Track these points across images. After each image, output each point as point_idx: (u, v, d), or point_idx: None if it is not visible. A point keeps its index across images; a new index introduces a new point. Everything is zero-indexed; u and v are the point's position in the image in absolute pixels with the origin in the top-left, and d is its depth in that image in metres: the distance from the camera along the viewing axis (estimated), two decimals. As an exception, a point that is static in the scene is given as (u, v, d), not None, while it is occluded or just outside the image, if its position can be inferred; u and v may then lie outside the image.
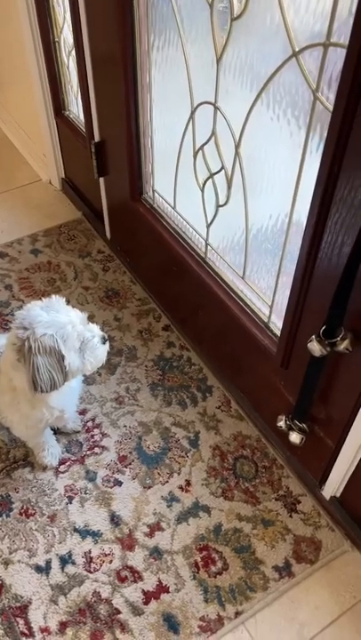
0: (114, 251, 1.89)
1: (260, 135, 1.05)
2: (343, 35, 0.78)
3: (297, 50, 0.86)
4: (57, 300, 1.08)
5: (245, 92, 1.01)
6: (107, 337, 1.14)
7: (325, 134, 0.84)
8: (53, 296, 1.09)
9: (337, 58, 0.80)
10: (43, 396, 1.11)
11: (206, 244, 1.37)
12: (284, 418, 1.21)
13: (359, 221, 0.83)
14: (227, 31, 0.99)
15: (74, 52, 1.56)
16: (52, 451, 1.34)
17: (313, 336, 0.98)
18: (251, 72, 0.99)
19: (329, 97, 0.85)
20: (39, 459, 1.34)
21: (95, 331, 1.11)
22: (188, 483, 1.33)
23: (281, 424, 1.22)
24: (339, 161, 0.83)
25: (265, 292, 1.25)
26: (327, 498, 1.27)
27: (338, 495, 1.25)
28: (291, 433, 1.20)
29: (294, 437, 1.19)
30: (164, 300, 1.70)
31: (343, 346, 0.96)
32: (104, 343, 1.13)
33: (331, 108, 0.82)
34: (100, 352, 1.12)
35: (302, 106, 0.91)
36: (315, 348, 0.97)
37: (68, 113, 1.88)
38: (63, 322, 1.04)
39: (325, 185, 0.87)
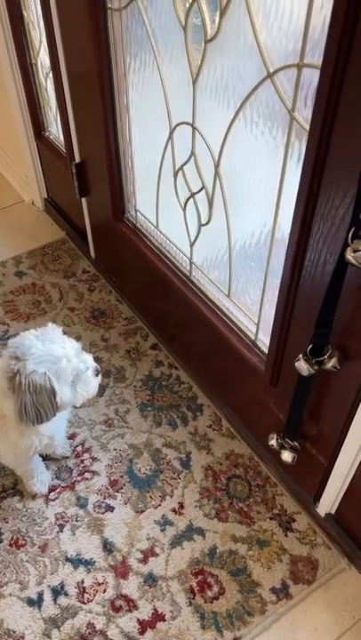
0: (99, 270, 1.88)
1: (240, 154, 1.04)
2: (316, 55, 0.78)
3: (271, 71, 0.86)
4: (52, 329, 1.06)
5: (223, 112, 1.01)
6: (100, 369, 1.13)
7: (303, 152, 0.84)
8: (49, 324, 1.07)
9: (311, 78, 0.80)
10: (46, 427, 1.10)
11: (190, 263, 1.36)
12: (275, 436, 1.19)
13: (341, 239, 0.83)
14: (201, 52, 0.99)
15: (51, 75, 1.55)
16: (41, 478, 1.32)
17: (300, 355, 0.97)
18: (227, 92, 0.99)
19: (306, 116, 0.85)
20: (28, 487, 1.32)
21: (89, 362, 1.10)
22: (182, 505, 1.31)
23: (272, 442, 1.20)
24: (318, 179, 0.83)
25: (251, 309, 1.24)
26: (322, 515, 1.25)
27: (333, 512, 1.23)
28: (283, 452, 1.18)
29: (286, 456, 1.18)
30: (151, 318, 1.69)
31: (331, 364, 0.96)
32: (97, 375, 1.12)
33: (307, 127, 0.82)
34: (93, 385, 1.11)
35: (280, 125, 0.91)
36: (302, 367, 0.96)
37: (47, 134, 1.87)
38: (58, 355, 1.01)
39: (306, 203, 0.86)
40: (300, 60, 0.80)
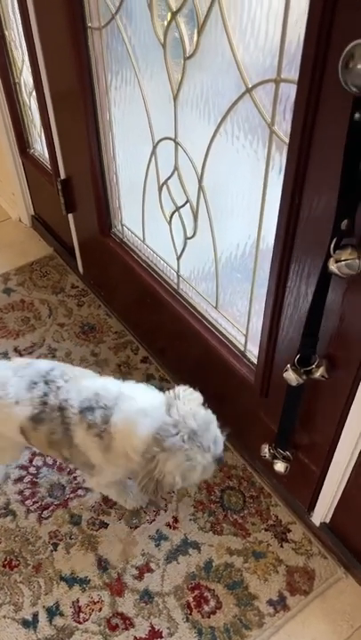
0: (87, 285, 1.88)
1: (222, 168, 1.06)
2: (293, 70, 0.79)
3: (250, 86, 0.87)
4: (195, 398, 1.02)
5: (204, 127, 1.02)
6: (223, 458, 1.03)
7: (284, 165, 0.85)
8: (207, 412, 1.01)
9: (290, 92, 0.81)
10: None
11: (178, 276, 1.36)
12: (267, 447, 1.19)
13: (323, 250, 0.83)
14: (181, 69, 1.00)
15: (34, 93, 1.56)
16: (134, 491, 1.30)
17: (288, 365, 0.97)
18: (207, 107, 1.00)
19: (285, 129, 0.86)
20: (129, 505, 1.32)
21: (218, 450, 1.00)
22: (176, 519, 1.31)
23: (265, 453, 1.20)
24: (299, 191, 0.84)
25: (239, 320, 1.24)
26: (317, 524, 1.25)
27: (327, 521, 1.23)
28: (275, 462, 1.18)
29: (279, 466, 1.18)
30: (141, 331, 1.69)
31: (319, 373, 0.96)
32: (217, 463, 1.03)
33: (287, 140, 0.83)
34: (209, 472, 1.02)
35: (260, 139, 0.92)
36: (291, 377, 0.97)
37: (33, 151, 1.88)
38: (198, 461, 0.96)
39: (288, 215, 0.87)
40: (277, 76, 0.82)
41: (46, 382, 1.10)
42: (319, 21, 0.66)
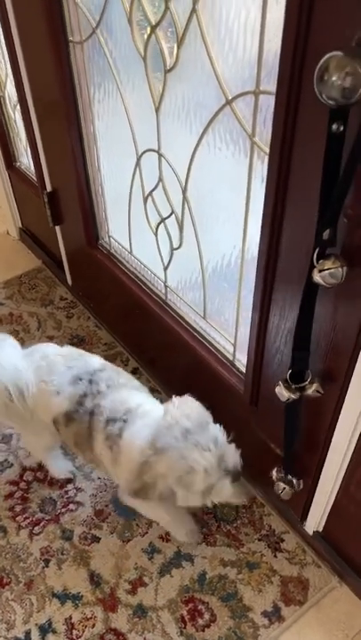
0: (76, 297, 1.88)
1: (206, 179, 1.06)
2: (272, 82, 0.79)
3: (230, 98, 0.87)
4: (191, 403, 1.00)
5: (187, 139, 1.02)
6: (241, 471, 0.97)
7: (266, 175, 0.85)
8: (203, 413, 0.98)
9: (269, 103, 0.82)
10: None
11: (165, 286, 1.36)
12: (275, 469, 1.16)
13: (307, 259, 0.84)
14: (162, 81, 1.00)
15: (19, 107, 1.56)
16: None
17: (280, 381, 0.95)
18: (189, 119, 1.00)
19: (267, 140, 0.86)
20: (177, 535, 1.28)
21: (230, 462, 0.95)
22: (168, 532, 1.30)
23: (273, 474, 1.16)
24: (281, 201, 0.84)
25: (227, 329, 1.24)
26: (310, 533, 1.25)
27: (320, 530, 1.22)
28: (280, 485, 1.15)
29: (285, 494, 1.15)
30: (131, 342, 1.69)
31: (313, 389, 0.94)
32: (235, 480, 0.96)
33: (268, 151, 0.83)
34: (226, 493, 0.97)
35: (241, 149, 0.92)
36: (283, 393, 0.95)
37: (19, 164, 1.88)
38: (194, 467, 0.92)
39: (271, 224, 0.87)
40: (256, 88, 0.82)
41: (90, 382, 1.08)
42: (295, 34, 0.67)
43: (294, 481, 1.14)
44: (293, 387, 0.94)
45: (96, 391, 1.07)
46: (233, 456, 0.97)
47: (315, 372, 0.94)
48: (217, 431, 0.98)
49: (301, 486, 1.15)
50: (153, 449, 0.94)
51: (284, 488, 1.15)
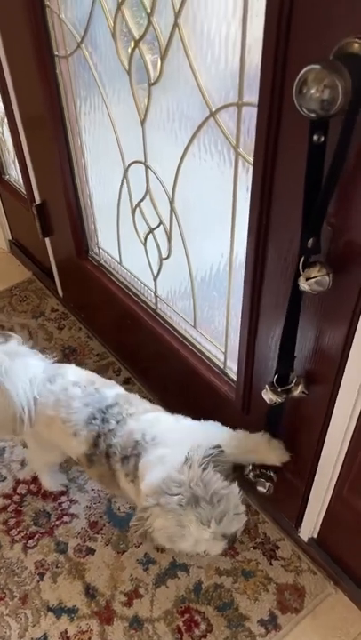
0: (67, 308, 1.88)
1: (193, 189, 1.07)
2: (254, 93, 0.80)
3: (213, 110, 0.88)
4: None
5: (172, 150, 1.03)
6: (236, 537, 0.90)
7: (250, 185, 0.86)
8: (226, 485, 0.90)
9: (252, 113, 0.83)
10: None
11: (156, 296, 1.37)
12: (250, 467, 1.18)
13: (293, 268, 0.84)
14: (147, 94, 1.01)
15: (6, 120, 1.57)
16: None
17: (266, 385, 0.97)
18: (175, 131, 1.01)
19: (251, 150, 0.87)
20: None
21: (233, 529, 0.88)
22: (163, 542, 1.29)
23: (248, 473, 1.18)
24: (266, 210, 0.85)
25: (218, 337, 1.25)
26: (305, 540, 1.25)
27: (315, 536, 1.22)
28: (258, 482, 1.16)
29: (260, 487, 1.16)
30: (123, 353, 1.69)
31: (298, 391, 0.95)
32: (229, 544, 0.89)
33: (251, 160, 0.84)
34: (214, 551, 0.90)
35: (226, 160, 0.93)
36: (269, 397, 0.96)
37: (7, 177, 1.88)
38: (191, 532, 0.86)
39: (257, 234, 0.88)
40: (239, 99, 0.83)
41: (103, 420, 1.07)
42: (274, 48, 0.68)
43: (272, 473, 1.15)
44: (279, 389, 0.95)
45: (107, 430, 1.06)
46: (236, 526, 0.91)
47: (300, 375, 0.95)
48: (231, 509, 0.89)
49: (275, 479, 1.15)
50: (156, 500, 0.89)
51: (269, 485, 1.14)
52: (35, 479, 1.41)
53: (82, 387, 1.13)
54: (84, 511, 1.35)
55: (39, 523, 1.34)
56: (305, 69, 0.59)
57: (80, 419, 1.09)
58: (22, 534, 1.31)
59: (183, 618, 1.18)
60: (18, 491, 1.39)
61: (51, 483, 1.38)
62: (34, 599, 1.21)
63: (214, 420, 1.34)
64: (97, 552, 1.28)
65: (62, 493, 1.39)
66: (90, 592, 1.22)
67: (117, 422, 1.07)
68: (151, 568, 1.25)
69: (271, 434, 1.10)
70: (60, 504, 1.37)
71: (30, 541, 1.30)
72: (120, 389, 1.17)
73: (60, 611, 1.19)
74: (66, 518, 1.34)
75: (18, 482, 1.41)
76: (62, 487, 1.39)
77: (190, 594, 1.21)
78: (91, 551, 1.28)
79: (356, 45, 0.60)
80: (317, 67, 0.58)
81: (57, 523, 1.33)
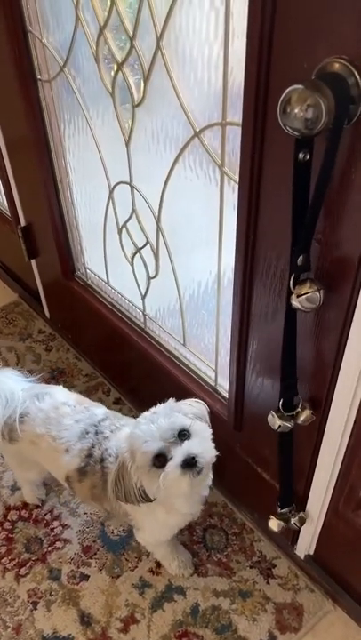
0: (55, 329, 1.86)
1: (179, 208, 1.07)
2: (238, 113, 0.82)
3: (198, 130, 0.89)
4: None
5: (158, 170, 1.04)
6: (195, 460, 0.90)
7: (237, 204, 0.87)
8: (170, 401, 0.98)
9: (236, 133, 0.84)
10: (175, 504, 1.01)
11: (144, 315, 1.37)
12: (275, 518, 1.12)
13: (284, 286, 0.85)
14: (131, 115, 1.02)
15: (-10, 143, 1.57)
16: (182, 558, 1.24)
17: (272, 411, 0.94)
18: (159, 151, 1.02)
19: (236, 169, 0.88)
20: (172, 570, 1.24)
21: (179, 453, 0.90)
22: (159, 564, 1.27)
23: (275, 527, 1.12)
24: (253, 228, 0.85)
25: (207, 355, 1.24)
26: (302, 557, 1.24)
27: (312, 553, 1.21)
28: (291, 521, 1.12)
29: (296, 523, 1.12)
30: (112, 373, 1.68)
31: (304, 417, 0.93)
32: (186, 468, 0.89)
33: (237, 179, 0.85)
34: (175, 481, 0.90)
35: (212, 179, 0.94)
36: (275, 422, 0.93)
37: (-8, 200, 1.88)
38: (141, 426, 0.92)
39: (245, 252, 0.88)
40: (222, 119, 0.84)
41: (96, 433, 1.08)
42: (256, 69, 0.69)
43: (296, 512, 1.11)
44: (286, 415, 0.93)
45: (102, 438, 1.08)
46: (182, 420, 0.93)
47: (304, 399, 0.93)
48: (184, 420, 0.93)
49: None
50: (127, 442, 0.96)
51: (295, 523, 1.11)
52: (25, 505, 1.38)
53: (71, 406, 1.13)
54: (77, 536, 1.33)
55: (31, 549, 1.31)
56: (288, 89, 0.60)
57: (72, 434, 1.08)
58: (14, 562, 1.29)
59: (181, 642, 1.16)
60: (9, 517, 1.37)
61: (29, 495, 1.37)
62: (28, 629, 1.18)
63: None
64: (91, 578, 1.26)
65: (55, 518, 1.36)
66: (85, 619, 1.19)
67: (111, 431, 1.09)
68: (147, 592, 1.23)
69: (287, 468, 1.04)
70: (52, 529, 1.34)
71: (22, 569, 1.27)
72: (107, 409, 1.17)
73: (54, 640, 1.17)
74: (58, 544, 1.32)
75: (8, 508, 1.38)
76: (38, 502, 1.38)
77: (188, 617, 1.19)
78: (85, 577, 1.26)
79: (337, 65, 0.62)
80: (300, 87, 0.59)
81: (49, 549, 1.31)
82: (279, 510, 1.11)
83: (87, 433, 1.08)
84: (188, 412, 0.97)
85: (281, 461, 1.03)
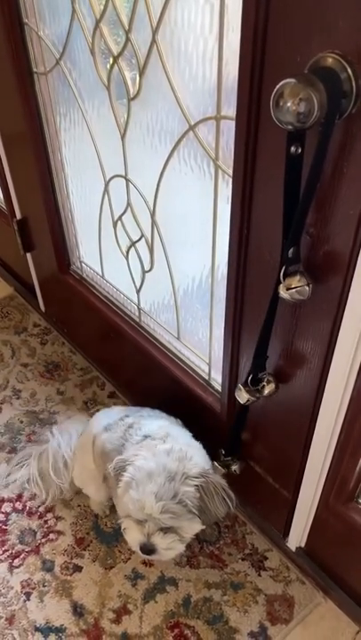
0: (50, 322, 1.87)
1: (174, 202, 1.08)
2: (232, 107, 0.82)
3: (192, 124, 0.90)
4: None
5: (153, 164, 1.04)
6: (154, 549, 1.00)
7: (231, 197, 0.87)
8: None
9: (230, 127, 0.84)
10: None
11: (139, 309, 1.37)
12: (220, 459, 1.19)
13: (273, 277, 0.86)
14: (127, 109, 1.02)
15: (-14, 136, 1.57)
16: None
17: (239, 385, 0.99)
18: (155, 145, 1.02)
19: (230, 163, 0.89)
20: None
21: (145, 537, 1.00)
22: (151, 556, 1.28)
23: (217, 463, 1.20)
24: (247, 222, 0.86)
25: (201, 348, 1.25)
26: (293, 549, 1.25)
27: (303, 545, 1.23)
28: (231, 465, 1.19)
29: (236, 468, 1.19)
30: (106, 366, 1.68)
31: (269, 390, 0.99)
32: (142, 550, 1.01)
33: (231, 173, 0.86)
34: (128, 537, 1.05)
35: (207, 173, 0.94)
36: (242, 395, 0.99)
37: (-13, 193, 1.88)
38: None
39: (238, 245, 0.89)
40: (217, 113, 0.85)
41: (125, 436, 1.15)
42: (250, 62, 0.69)
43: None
44: (253, 389, 0.98)
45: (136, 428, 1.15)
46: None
47: (273, 375, 0.99)
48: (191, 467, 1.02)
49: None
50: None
51: (235, 470, 1.19)
52: (19, 497, 1.39)
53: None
54: (71, 528, 1.34)
55: (25, 541, 1.32)
56: (281, 83, 0.60)
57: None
58: (8, 553, 1.29)
59: (173, 633, 1.16)
60: (2, 509, 1.37)
61: (98, 507, 1.37)
62: (21, 619, 1.19)
63: (200, 430, 1.35)
64: (84, 569, 1.27)
65: (48, 510, 1.37)
66: (77, 610, 1.20)
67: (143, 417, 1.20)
68: (139, 583, 1.24)
69: (237, 434, 1.14)
70: (45, 521, 1.35)
71: (16, 560, 1.28)
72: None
73: (47, 630, 1.17)
74: (52, 535, 1.32)
75: (2, 500, 1.39)
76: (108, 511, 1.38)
77: (180, 608, 1.20)
78: (78, 568, 1.27)
79: (331, 59, 0.62)
80: (293, 80, 0.60)
81: (43, 540, 1.31)
82: (223, 458, 1.19)
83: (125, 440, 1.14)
84: (190, 497, 1.00)
85: (236, 419, 1.12)
